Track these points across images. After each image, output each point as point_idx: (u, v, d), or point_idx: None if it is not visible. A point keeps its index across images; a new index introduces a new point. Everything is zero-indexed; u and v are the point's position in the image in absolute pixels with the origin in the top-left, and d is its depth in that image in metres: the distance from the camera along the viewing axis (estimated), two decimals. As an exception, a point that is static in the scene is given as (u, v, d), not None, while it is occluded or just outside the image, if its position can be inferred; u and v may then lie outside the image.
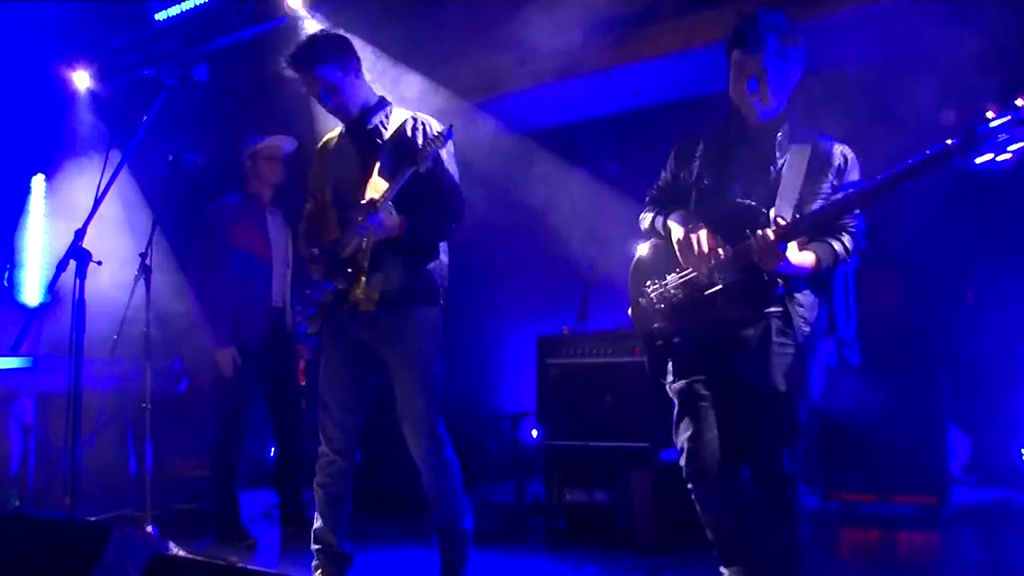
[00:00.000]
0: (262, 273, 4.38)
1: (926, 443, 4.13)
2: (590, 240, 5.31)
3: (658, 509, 3.79)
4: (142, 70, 3.86)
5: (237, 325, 4.28)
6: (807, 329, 2.41)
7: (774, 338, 2.41)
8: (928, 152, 2.10)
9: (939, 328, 4.99)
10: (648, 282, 2.66)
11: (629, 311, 2.75)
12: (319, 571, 3.14)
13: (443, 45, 5.69)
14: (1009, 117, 1.98)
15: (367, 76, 3.17)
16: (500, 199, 5.93)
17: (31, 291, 6.58)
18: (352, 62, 3.07)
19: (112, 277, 3.57)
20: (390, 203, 2.91)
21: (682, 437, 2.56)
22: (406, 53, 5.46)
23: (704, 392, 2.53)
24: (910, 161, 2.14)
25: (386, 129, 3.12)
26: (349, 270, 3.02)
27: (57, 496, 4.83)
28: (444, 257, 3.20)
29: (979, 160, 2.02)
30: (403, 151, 2.98)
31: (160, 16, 6.09)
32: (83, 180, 5.79)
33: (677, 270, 2.57)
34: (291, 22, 5.54)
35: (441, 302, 3.16)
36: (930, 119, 4.61)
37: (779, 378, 2.40)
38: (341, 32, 3.20)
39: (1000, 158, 2.00)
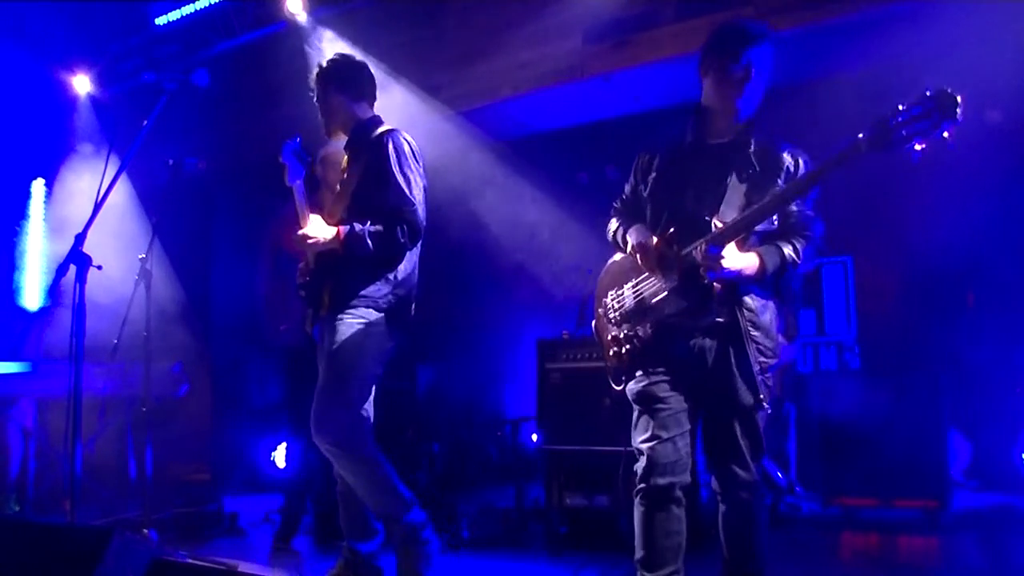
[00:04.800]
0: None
1: (927, 447, 4.13)
2: (590, 244, 5.31)
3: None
4: (142, 75, 3.87)
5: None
6: (756, 333, 2.41)
7: (728, 347, 2.41)
8: (841, 148, 2.13)
9: (939, 332, 4.99)
10: (610, 292, 2.69)
11: (592, 324, 2.76)
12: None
13: (442, 51, 5.70)
14: (917, 109, 2.01)
15: None
16: (500, 204, 5.94)
17: (31, 295, 6.58)
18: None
19: (112, 281, 3.56)
20: None
21: (639, 439, 2.50)
22: (405, 59, 5.47)
23: (663, 395, 2.48)
24: (825, 160, 2.19)
25: None
26: None
27: (57, 500, 4.83)
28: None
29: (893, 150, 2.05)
30: None
31: (160, 21, 6.10)
32: (83, 184, 5.80)
33: (633, 280, 2.60)
34: (291, 27, 5.54)
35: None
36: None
37: (737, 387, 2.41)
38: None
39: (918, 147, 2.02)
